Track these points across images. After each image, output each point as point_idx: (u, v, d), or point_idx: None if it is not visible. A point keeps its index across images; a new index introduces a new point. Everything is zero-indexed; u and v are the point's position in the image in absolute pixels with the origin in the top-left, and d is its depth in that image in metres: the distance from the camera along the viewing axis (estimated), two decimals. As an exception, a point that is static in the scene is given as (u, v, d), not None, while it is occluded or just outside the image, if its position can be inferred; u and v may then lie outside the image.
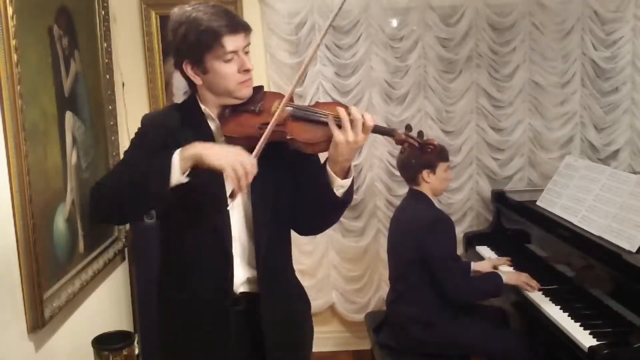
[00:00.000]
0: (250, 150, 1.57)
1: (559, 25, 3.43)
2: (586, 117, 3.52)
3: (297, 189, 1.70)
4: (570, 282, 2.66)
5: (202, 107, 1.69)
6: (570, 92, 3.49)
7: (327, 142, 1.58)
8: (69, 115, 2.45)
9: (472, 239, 3.40)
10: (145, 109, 3.37)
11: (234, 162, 1.47)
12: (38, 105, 2.17)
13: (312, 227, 1.83)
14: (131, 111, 3.30)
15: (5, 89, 1.93)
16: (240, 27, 1.62)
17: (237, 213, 1.68)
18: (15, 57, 1.96)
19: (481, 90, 3.48)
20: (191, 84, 1.69)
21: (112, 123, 3.03)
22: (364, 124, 1.53)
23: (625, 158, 3.55)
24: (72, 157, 2.48)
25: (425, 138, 1.65)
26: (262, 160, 1.57)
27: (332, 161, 1.59)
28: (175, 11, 1.65)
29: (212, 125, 1.69)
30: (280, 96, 1.70)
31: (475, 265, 2.99)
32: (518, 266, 2.90)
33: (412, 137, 1.63)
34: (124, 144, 3.22)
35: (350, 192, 1.64)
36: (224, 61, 1.60)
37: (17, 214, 2.00)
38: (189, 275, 1.70)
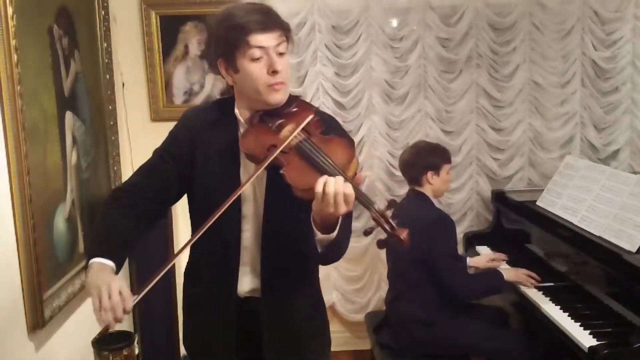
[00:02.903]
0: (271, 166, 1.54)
1: (559, 25, 3.42)
2: (586, 117, 3.51)
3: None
4: (570, 282, 2.67)
5: (236, 110, 1.64)
6: (570, 92, 3.49)
7: (310, 192, 1.42)
8: (69, 115, 2.45)
9: (472, 239, 3.41)
10: (145, 109, 3.38)
11: (101, 290, 1.39)
12: (38, 105, 2.17)
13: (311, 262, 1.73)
14: (131, 111, 3.30)
15: (5, 89, 1.94)
16: (273, 25, 1.53)
17: (250, 223, 1.67)
18: (15, 57, 1.96)
19: (481, 90, 3.48)
20: (228, 84, 1.66)
21: (112, 123, 3.03)
22: (345, 198, 1.39)
23: (625, 158, 3.55)
24: (72, 157, 2.48)
25: (396, 228, 1.47)
26: (279, 176, 1.51)
27: (315, 214, 1.45)
28: (215, 13, 1.62)
29: (242, 130, 1.63)
30: (305, 113, 1.58)
31: (471, 261, 3.00)
32: (518, 266, 2.90)
33: (385, 219, 1.45)
34: (124, 144, 3.22)
35: (333, 248, 1.50)
36: (252, 60, 1.52)
37: (17, 214, 2.00)
38: (203, 272, 1.74)
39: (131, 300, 1.41)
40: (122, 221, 1.61)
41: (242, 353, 1.73)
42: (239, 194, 1.52)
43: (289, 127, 1.54)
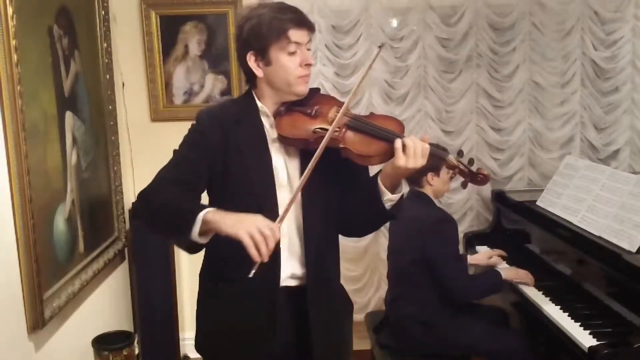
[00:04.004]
0: (303, 152, 1.66)
1: (559, 25, 3.43)
2: (586, 117, 3.52)
3: (346, 194, 1.71)
4: (570, 282, 2.67)
5: (259, 103, 1.73)
6: (570, 92, 3.49)
7: (380, 156, 1.60)
8: (69, 115, 2.45)
9: (472, 239, 3.40)
10: (145, 109, 3.38)
11: (250, 228, 1.45)
12: (38, 105, 2.17)
13: (357, 232, 1.89)
14: (131, 111, 3.30)
15: (5, 89, 1.94)
16: (306, 23, 1.67)
17: None
18: (15, 57, 1.96)
19: (481, 90, 3.48)
20: (250, 79, 1.74)
21: (112, 123, 3.03)
22: (423, 151, 1.56)
23: (625, 158, 3.55)
24: (72, 157, 2.48)
25: (475, 166, 1.63)
26: (309, 160, 1.61)
27: (386, 176, 1.62)
28: (243, 10, 1.75)
29: (266, 122, 1.73)
30: (335, 101, 1.72)
31: (471, 259, 3.01)
32: (518, 266, 2.90)
33: (463, 164, 1.61)
34: (124, 144, 3.22)
35: (398, 206, 1.66)
36: (288, 53, 1.65)
37: (17, 214, 2.00)
38: (236, 265, 1.70)
39: (278, 229, 1.49)
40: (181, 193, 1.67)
41: (283, 345, 1.74)
42: (306, 178, 1.59)
43: (333, 110, 1.68)
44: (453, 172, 1.63)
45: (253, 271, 1.45)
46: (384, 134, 1.62)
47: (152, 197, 1.67)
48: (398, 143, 1.56)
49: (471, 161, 1.66)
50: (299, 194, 1.62)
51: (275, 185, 1.69)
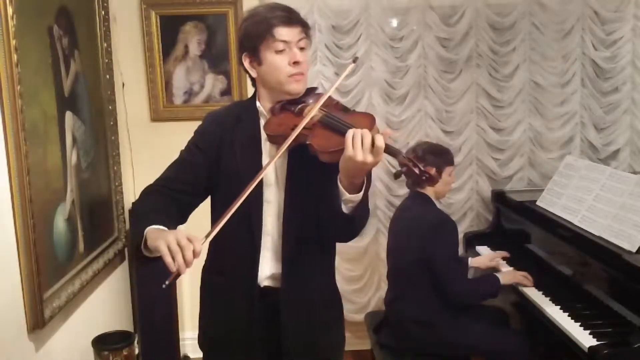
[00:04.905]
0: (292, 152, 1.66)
1: (559, 25, 3.43)
2: (586, 117, 3.52)
3: (324, 196, 1.66)
4: (571, 282, 2.67)
5: (257, 103, 1.75)
6: (570, 92, 3.50)
7: (339, 152, 1.53)
8: (69, 115, 2.45)
9: (472, 239, 3.41)
10: (145, 109, 3.38)
11: (168, 238, 1.42)
12: (38, 105, 2.17)
13: (332, 237, 1.80)
14: (131, 111, 3.30)
15: (5, 89, 1.93)
16: (295, 20, 1.68)
17: (272, 209, 1.72)
18: (15, 57, 1.96)
19: (481, 90, 3.48)
20: (253, 80, 1.76)
21: (112, 123, 3.02)
22: (373, 145, 1.47)
23: (625, 158, 3.55)
24: (72, 157, 2.48)
25: (425, 167, 1.60)
26: (299, 161, 1.64)
27: (341, 173, 1.55)
28: (244, 13, 1.77)
29: (264, 121, 1.74)
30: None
31: (472, 262, 3.01)
32: (518, 266, 2.91)
33: (413, 162, 1.57)
34: (124, 144, 3.22)
35: (361, 209, 1.59)
36: (276, 52, 1.66)
37: (17, 214, 2.00)
38: (223, 261, 1.77)
39: (200, 242, 1.43)
40: (162, 204, 1.69)
41: (260, 346, 1.75)
42: (264, 172, 1.60)
43: (309, 107, 1.68)
44: (402, 169, 1.60)
45: (167, 282, 1.41)
46: (343, 127, 1.57)
47: (141, 199, 1.74)
48: (349, 133, 1.49)
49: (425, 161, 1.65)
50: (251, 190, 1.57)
51: (262, 183, 1.69)
